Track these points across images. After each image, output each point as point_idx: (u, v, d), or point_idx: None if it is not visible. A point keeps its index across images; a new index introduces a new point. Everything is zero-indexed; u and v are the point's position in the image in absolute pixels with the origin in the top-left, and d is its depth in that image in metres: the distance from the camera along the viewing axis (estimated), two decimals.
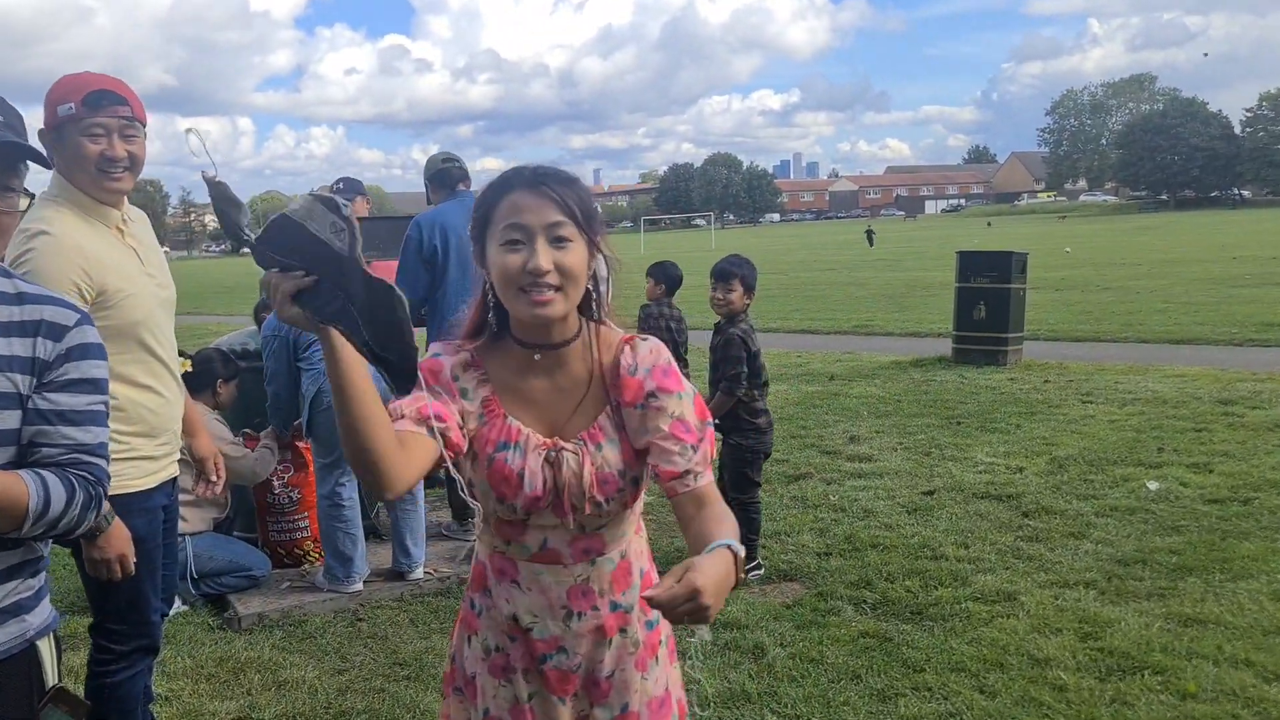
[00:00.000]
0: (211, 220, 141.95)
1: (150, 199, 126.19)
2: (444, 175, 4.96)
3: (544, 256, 1.51)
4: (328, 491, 4.26)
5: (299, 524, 4.64)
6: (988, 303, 10.12)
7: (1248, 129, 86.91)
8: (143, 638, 2.60)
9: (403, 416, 1.51)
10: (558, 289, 1.53)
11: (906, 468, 6.25)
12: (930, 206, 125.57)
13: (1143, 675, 3.36)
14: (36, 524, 1.53)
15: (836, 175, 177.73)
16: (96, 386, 1.66)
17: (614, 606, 1.68)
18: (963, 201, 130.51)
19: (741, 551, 1.42)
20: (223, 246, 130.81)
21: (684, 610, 1.28)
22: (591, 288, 1.61)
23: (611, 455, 1.60)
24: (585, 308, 1.63)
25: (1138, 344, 11.56)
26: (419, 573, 4.50)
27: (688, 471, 1.57)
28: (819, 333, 14.24)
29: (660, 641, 1.76)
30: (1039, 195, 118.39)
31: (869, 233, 46.59)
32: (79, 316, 1.66)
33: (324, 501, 4.28)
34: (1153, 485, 5.56)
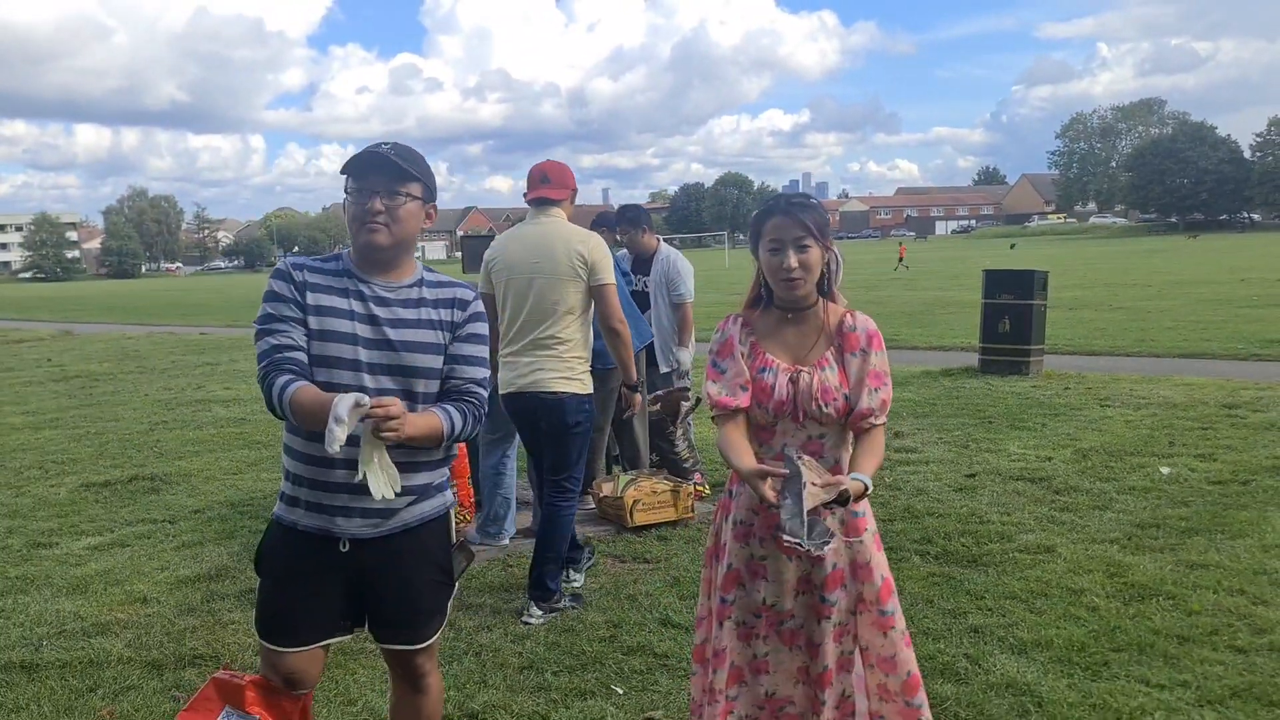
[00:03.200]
0: (225, 235, 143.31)
1: (165, 215, 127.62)
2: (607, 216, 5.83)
3: (792, 259, 2.44)
4: (493, 463, 5.16)
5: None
6: (1011, 317, 11.01)
7: (1257, 153, 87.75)
8: (579, 487, 4.42)
9: (733, 410, 2.52)
10: (800, 278, 2.45)
11: (948, 457, 7.13)
12: (940, 228, 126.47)
13: (1157, 599, 4.24)
14: (449, 443, 2.43)
15: (846, 196, 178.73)
16: (483, 341, 2.55)
17: None
18: (973, 223, 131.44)
19: (869, 485, 2.34)
20: (236, 262, 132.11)
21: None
22: (825, 273, 2.53)
23: (832, 377, 2.49)
24: (820, 285, 2.56)
25: (1150, 358, 12.42)
26: None
27: (870, 410, 2.47)
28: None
29: (867, 528, 2.57)
30: (1049, 217, 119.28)
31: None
32: (475, 295, 2.55)
33: (488, 471, 5.18)
34: (1165, 470, 6.43)
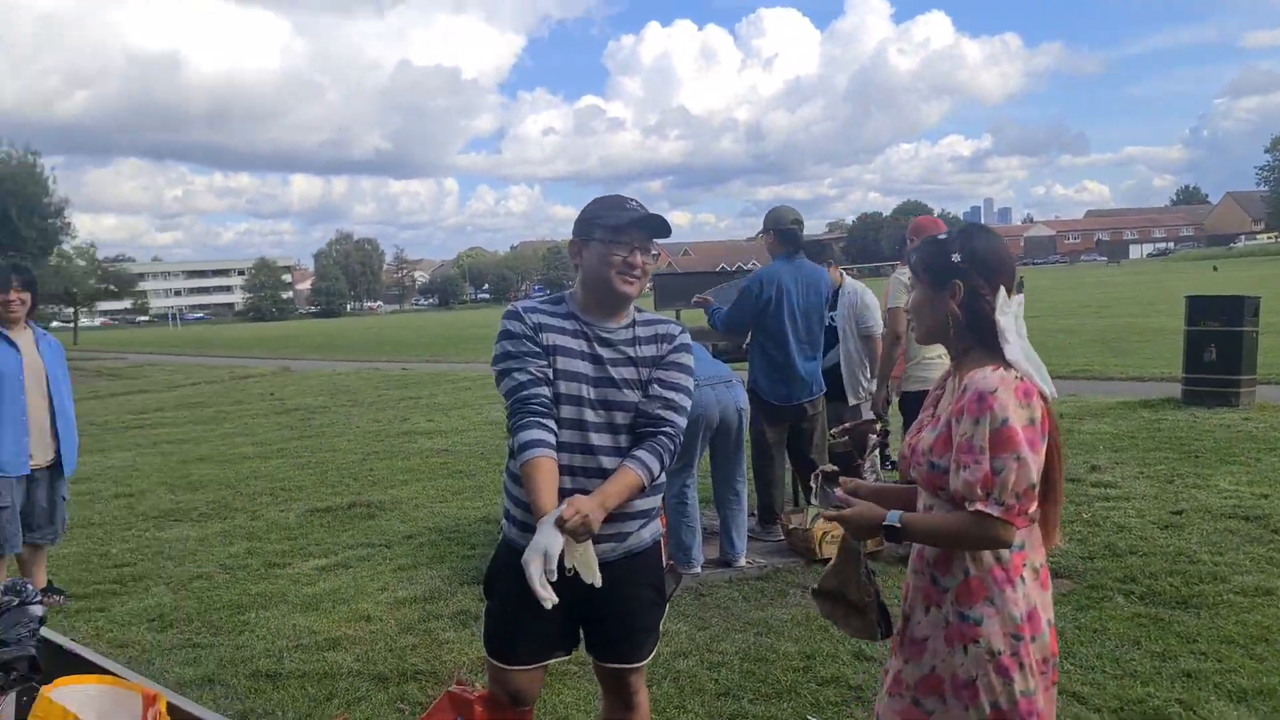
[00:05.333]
0: (421, 274, 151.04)
1: (368, 256, 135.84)
2: (792, 235, 5.88)
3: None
4: (676, 492, 5.34)
5: None
6: (1218, 345, 10.40)
7: None
8: None
9: None
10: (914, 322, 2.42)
11: (1151, 492, 6.82)
12: (1135, 251, 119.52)
13: None
14: (650, 485, 2.59)
15: (1031, 220, 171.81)
16: (684, 370, 2.68)
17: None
18: (1171, 245, 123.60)
19: (895, 524, 2.10)
20: (432, 300, 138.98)
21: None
22: (954, 317, 2.24)
23: (928, 439, 2.17)
24: (960, 331, 2.25)
25: None
26: (742, 560, 5.52)
27: (959, 492, 2.05)
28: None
29: (980, 639, 2.09)
30: (1258, 236, 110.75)
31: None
32: (682, 330, 2.73)
33: (671, 500, 5.37)
34: None
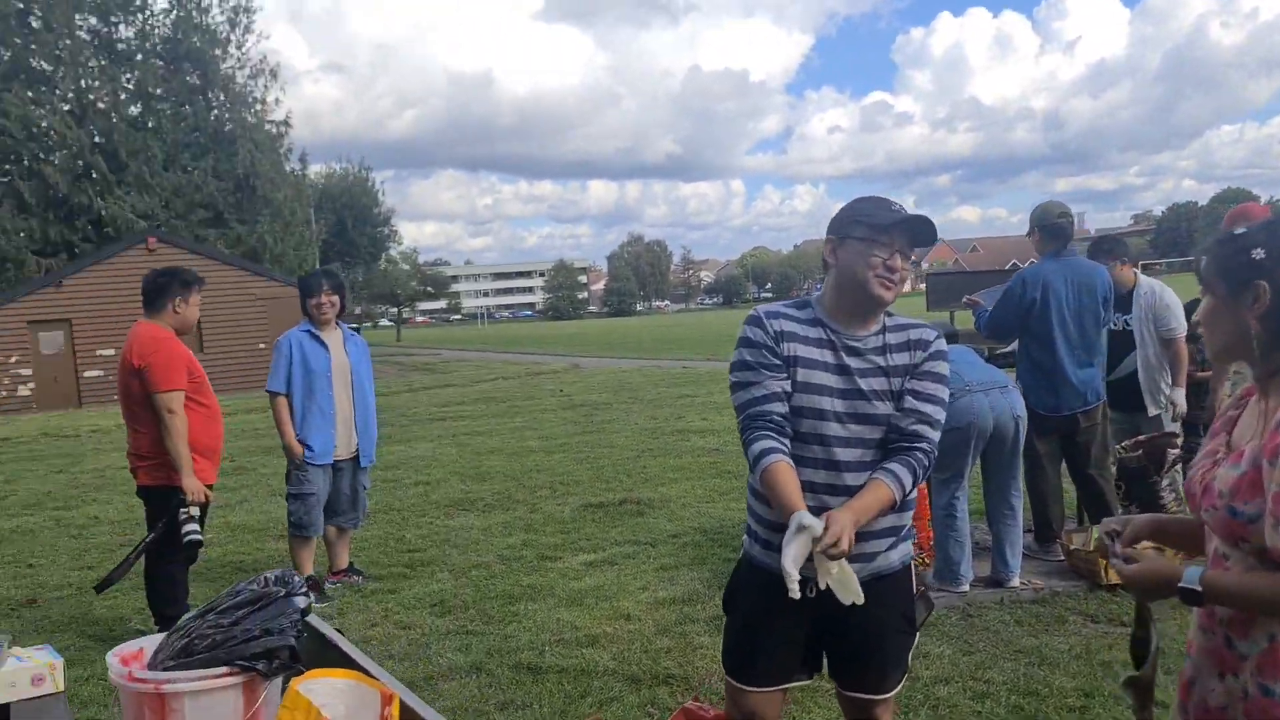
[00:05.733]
0: (707, 274, 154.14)
1: (657, 258, 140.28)
2: (1058, 230, 5.46)
3: None
4: (944, 503, 5.06)
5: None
6: None
7: None
8: None
9: None
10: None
11: None
12: None
13: None
14: (901, 502, 2.42)
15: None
16: (941, 380, 2.49)
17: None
18: None
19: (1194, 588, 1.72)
20: (716, 299, 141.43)
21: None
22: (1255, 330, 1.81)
23: (1230, 476, 1.75)
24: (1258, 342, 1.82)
25: None
26: (1016, 581, 5.15)
27: (1275, 548, 1.67)
28: None
29: None
30: None
31: None
32: (937, 335, 2.54)
33: (939, 512, 5.09)
34: None
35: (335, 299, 5.89)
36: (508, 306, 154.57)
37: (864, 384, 2.45)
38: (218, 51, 34.06)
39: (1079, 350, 5.35)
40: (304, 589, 2.65)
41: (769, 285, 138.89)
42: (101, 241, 28.82)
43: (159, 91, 32.97)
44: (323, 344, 5.82)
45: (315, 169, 51.96)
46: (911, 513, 2.58)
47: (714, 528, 6.89)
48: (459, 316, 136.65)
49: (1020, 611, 4.90)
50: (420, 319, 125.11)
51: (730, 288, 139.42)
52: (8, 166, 30.42)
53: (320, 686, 2.24)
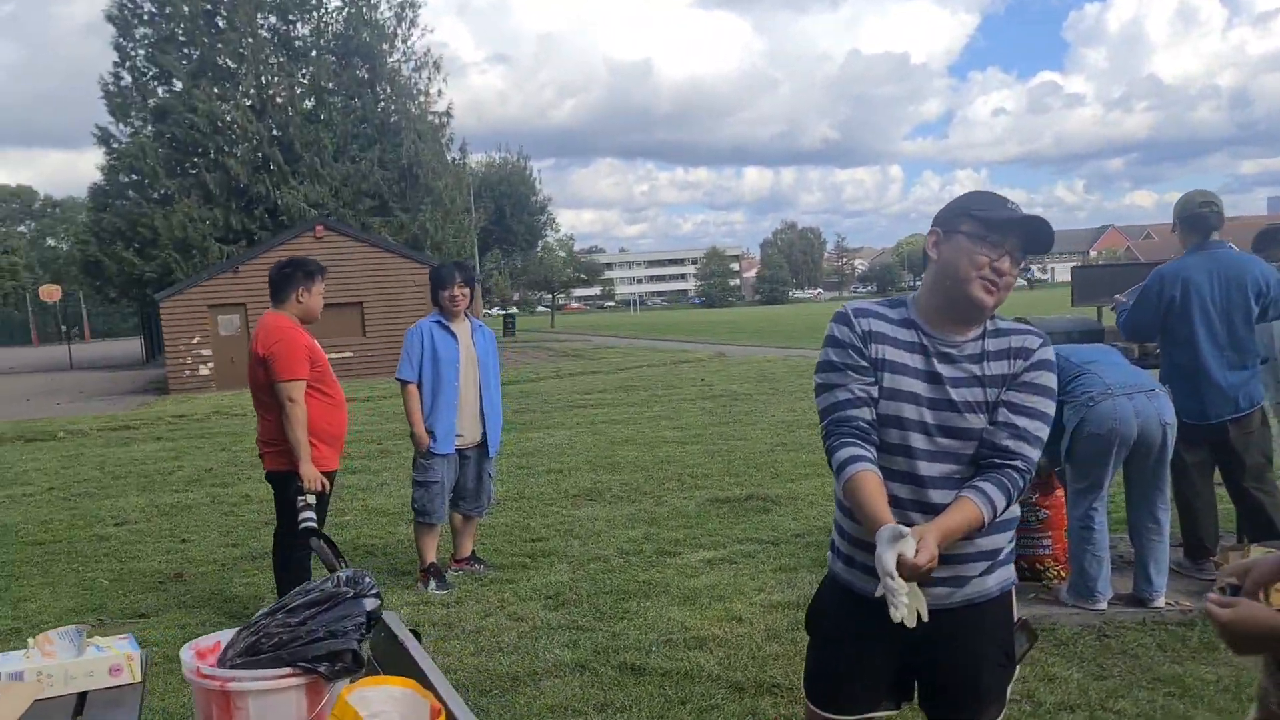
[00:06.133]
0: (861, 262, 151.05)
1: (810, 245, 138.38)
2: (1199, 220, 5.07)
3: None
4: (1080, 515, 4.73)
5: (1042, 541, 5.17)
6: None
7: None
8: None
9: None
10: None
11: None
12: None
13: None
14: (995, 521, 2.22)
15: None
16: (1044, 393, 2.27)
17: None
18: None
19: None
20: (870, 288, 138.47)
21: None
22: None
23: None
24: None
25: None
26: (1160, 601, 4.77)
27: None
28: None
29: None
30: None
31: None
32: (1043, 342, 2.31)
33: (1075, 524, 4.76)
34: None
35: (466, 291, 5.98)
36: (661, 293, 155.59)
37: (955, 394, 2.26)
38: (385, 46, 35.43)
39: (1227, 351, 4.91)
40: (374, 590, 2.64)
41: (923, 274, 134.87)
42: (276, 229, 30.45)
43: (331, 85, 34.54)
44: (452, 334, 5.92)
45: (476, 158, 53.63)
46: (1010, 534, 2.37)
47: None
48: (612, 303, 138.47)
49: (1164, 635, 4.54)
50: (575, 305, 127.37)
51: (885, 276, 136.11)
52: (195, 159, 32.48)
53: (375, 694, 2.23)
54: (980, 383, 2.27)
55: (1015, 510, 2.37)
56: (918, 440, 2.26)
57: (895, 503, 2.25)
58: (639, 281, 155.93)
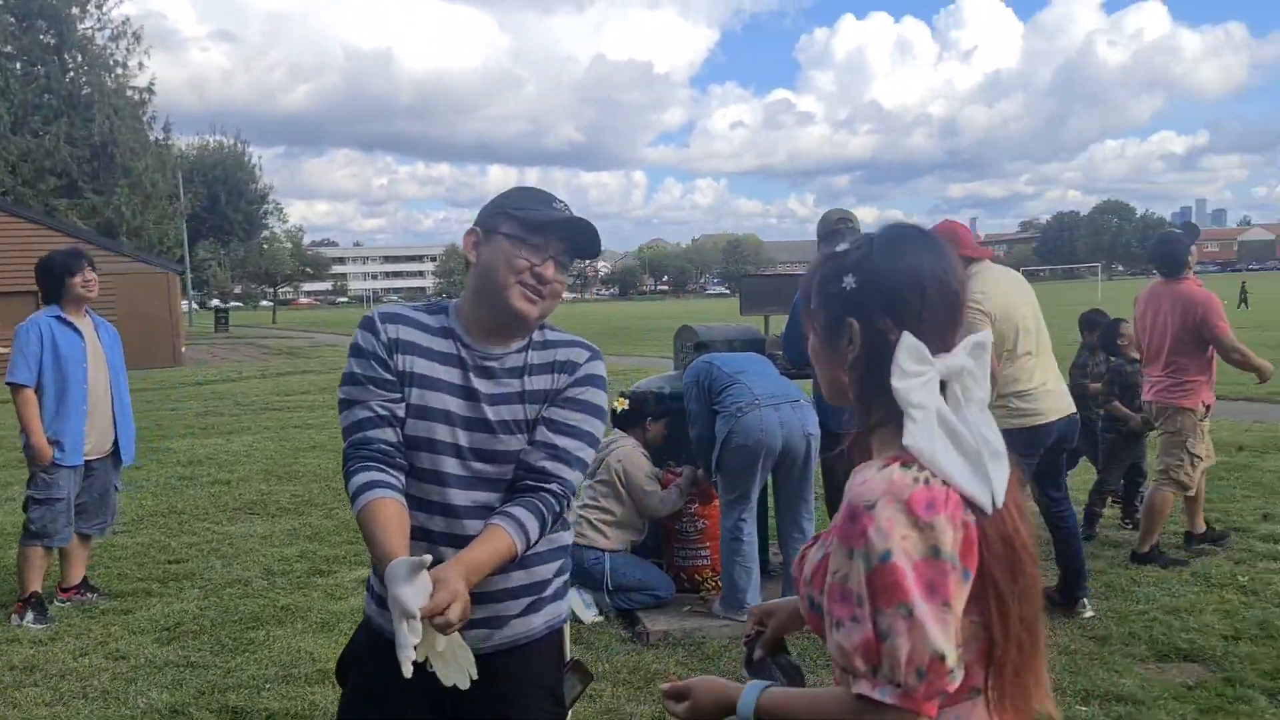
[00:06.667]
0: (604, 265, 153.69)
1: None
2: (837, 237, 5.24)
3: None
4: (730, 525, 4.68)
5: (700, 552, 5.12)
6: None
7: None
8: None
9: None
10: None
11: None
12: None
13: None
14: (532, 550, 1.95)
15: (1249, 223, 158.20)
16: (589, 410, 2.05)
17: None
18: None
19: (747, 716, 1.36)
20: (612, 290, 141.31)
21: None
22: None
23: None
24: None
25: None
26: None
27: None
28: (1224, 398, 12.90)
29: None
30: None
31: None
32: (592, 356, 2.09)
33: (725, 535, 4.71)
34: None
35: (96, 278, 5.26)
36: (398, 290, 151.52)
37: (492, 413, 1.99)
38: (75, 10, 32.01)
39: None
40: None
41: (665, 278, 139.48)
42: None
43: (9, 49, 30.81)
44: (76, 330, 5.15)
45: (187, 140, 49.75)
46: (559, 564, 2.13)
47: None
48: (345, 299, 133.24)
49: (807, 642, 4.56)
50: (306, 301, 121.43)
51: (627, 279, 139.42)
52: None
53: None
54: (521, 399, 2.02)
55: (564, 537, 2.14)
56: (450, 465, 1.98)
57: (427, 537, 1.96)
58: (374, 278, 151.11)
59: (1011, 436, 4.10)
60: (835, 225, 5.22)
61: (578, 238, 2.01)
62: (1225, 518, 6.59)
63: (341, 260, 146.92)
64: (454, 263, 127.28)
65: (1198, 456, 5.51)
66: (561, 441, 2.00)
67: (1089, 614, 4.67)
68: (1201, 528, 5.89)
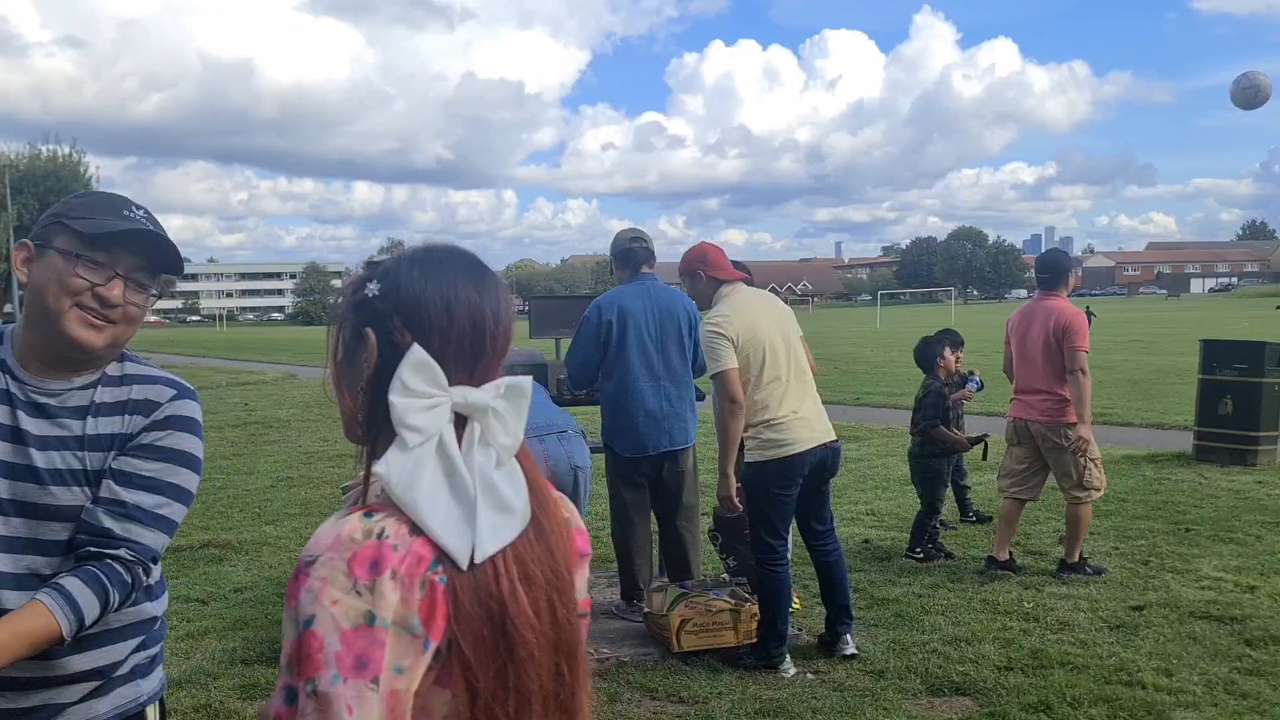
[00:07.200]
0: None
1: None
2: (629, 255, 5.07)
3: None
4: None
5: None
6: (1235, 397, 9.24)
7: None
8: None
9: None
10: None
11: (1118, 577, 5.74)
12: (1196, 285, 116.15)
13: None
14: (78, 635, 1.60)
15: (1092, 251, 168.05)
16: (170, 458, 1.73)
17: None
18: (1234, 280, 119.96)
19: None
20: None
21: None
22: None
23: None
24: None
25: None
26: None
27: None
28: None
29: None
30: None
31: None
32: (180, 394, 1.78)
33: None
34: None
35: None
36: (254, 309, 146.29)
37: (42, 459, 1.67)
38: None
39: (664, 381, 4.88)
40: None
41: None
42: None
43: None
44: None
45: (14, 148, 46.82)
46: (137, 641, 1.79)
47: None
48: (197, 318, 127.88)
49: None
50: (153, 319, 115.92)
51: None
52: None
53: None
54: (81, 444, 1.69)
55: (149, 609, 1.81)
56: None
57: None
58: (229, 295, 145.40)
59: (764, 470, 3.89)
60: (628, 244, 5.10)
61: (150, 252, 1.71)
62: (1025, 540, 6.67)
63: (194, 277, 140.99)
64: (314, 281, 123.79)
65: (1096, 458, 5.68)
66: (133, 497, 1.68)
67: (850, 650, 4.53)
68: (1005, 556, 5.93)
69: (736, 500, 4.40)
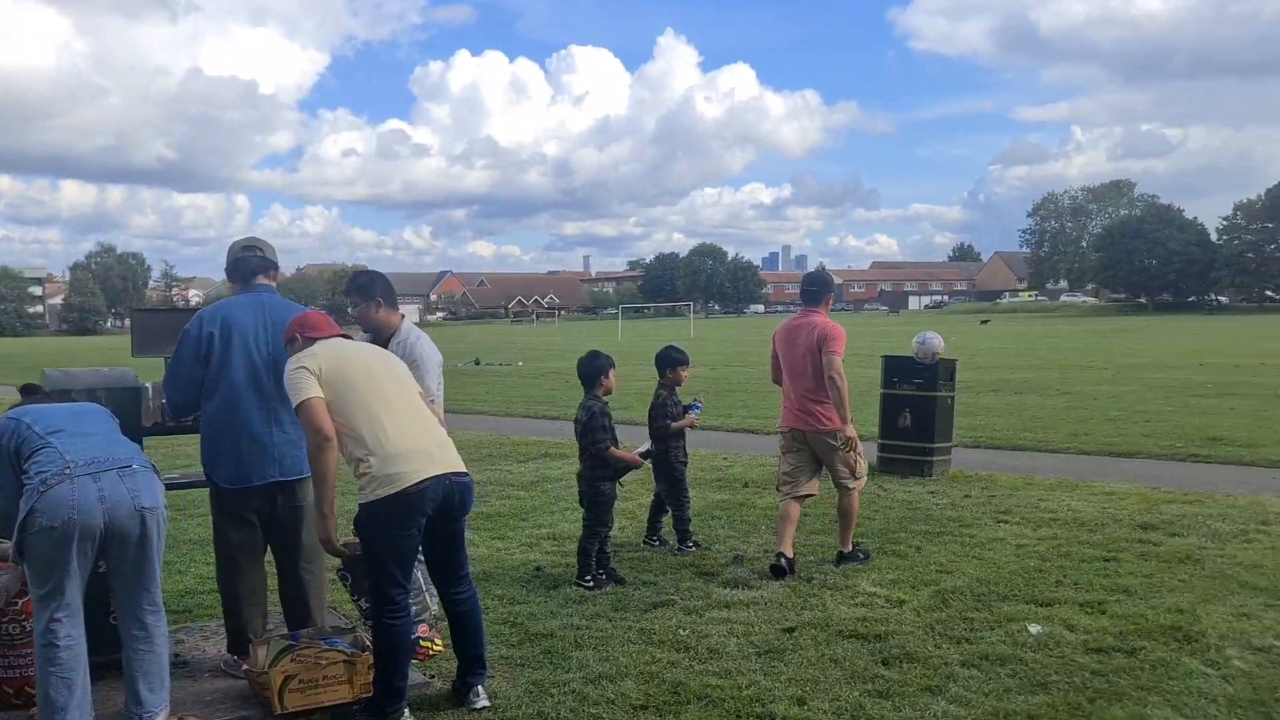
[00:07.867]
0: (195, 293, 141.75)
1: (132, 272, 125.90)
2: (241, 263, 4.52)
3: None
4: (42, 629, 3.62)
5: (29, 659, 4.00)
6: (913, 410, 9.67)
7: (1223, 236, 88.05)
8: None
9: None
10: None
11: (779, 597, 5.66)
12: (914, 302, 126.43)
13: None
14: None
15: (824, 269, 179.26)
16: None
17: None
18: (946, 298, 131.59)
19: None
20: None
21: None
22: None
23: None
24: None
25: (1077, 455, 11.13)
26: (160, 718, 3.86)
27: None
28: (758, 432, 13.67)
29: None
30: (1020, 294, 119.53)
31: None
32: None
33: (38, 641, 3.64)
34: (1034, 629, 4.99)
35: None
36: None
37: None
38: None
39: (273, 403, 4.28)
40: None
41: None
42: None
43: None
44: None
45: None
46: None
47: None
48: None
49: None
50: None
51: None
52: None
53: None
54: None
55: None
56: None
57: None
58: None
59: (374, 510, 3.43)
60: (239, 254, 4.59)
61: None
62: (700, 561, 6.54)
63: None
64: (7, 287, 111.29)
65: (861, 449, 6.35)
66: None
67: (482, 704, 4.12)
68: (849, 547, 6.46)
69: (337, 544, 3.88)
